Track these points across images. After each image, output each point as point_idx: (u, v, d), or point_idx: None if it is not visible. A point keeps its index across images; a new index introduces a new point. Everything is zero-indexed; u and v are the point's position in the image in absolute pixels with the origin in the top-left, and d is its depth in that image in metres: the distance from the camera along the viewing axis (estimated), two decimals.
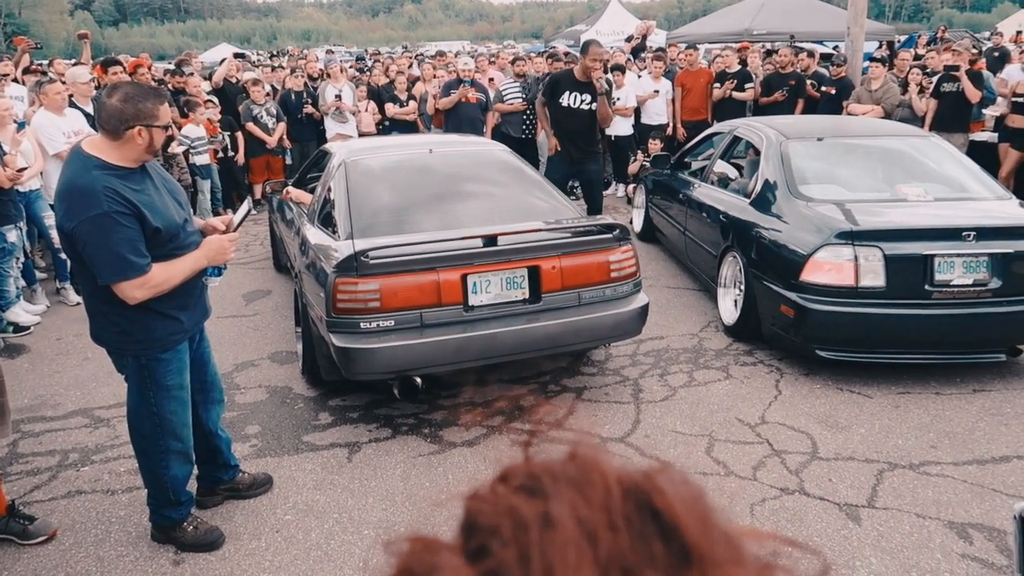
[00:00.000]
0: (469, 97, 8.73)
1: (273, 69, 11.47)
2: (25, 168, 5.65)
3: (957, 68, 8.26)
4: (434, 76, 9.90)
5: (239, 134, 9.09)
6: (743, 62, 10.37)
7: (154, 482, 3.10)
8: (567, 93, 6.49)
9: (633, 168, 9.45)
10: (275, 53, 25.31)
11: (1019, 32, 20.68)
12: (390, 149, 5.15)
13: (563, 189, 7.09)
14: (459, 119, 8.72)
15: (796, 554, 0.40)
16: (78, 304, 6.16)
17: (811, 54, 10.31)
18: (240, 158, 9.13)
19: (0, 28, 64.38)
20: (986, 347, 4.52)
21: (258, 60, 17.23)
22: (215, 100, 9.10)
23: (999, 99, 8.85)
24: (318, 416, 4.27)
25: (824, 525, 3.25)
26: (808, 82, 9.47)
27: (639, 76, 10.13)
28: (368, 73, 11.33)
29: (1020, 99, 7.89)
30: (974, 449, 3.82)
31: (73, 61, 10.12)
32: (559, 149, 6.68)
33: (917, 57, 10.71)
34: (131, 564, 3.08)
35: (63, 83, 6.63)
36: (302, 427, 4.15)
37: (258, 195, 9.08)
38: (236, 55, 11.60)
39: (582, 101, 6.49)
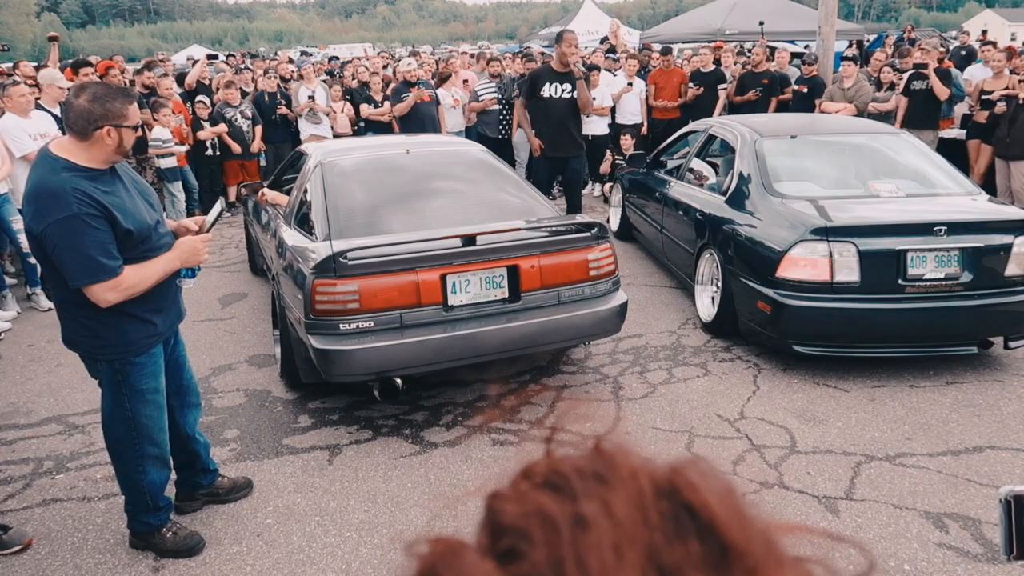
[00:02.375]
0: (423, 97, 8.74)
1: (238, 71, 11.34)
2: None
3: (926, 66, 8.40)
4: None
5: (201, 133, 8.97)
6: (716, 61, 10.45)
7: (131, 488, 3.05)
8: (547, 85, 6.61)
9: (604, 167, 9.49)
10: (246, 54, 25.07)
11: (984, 31, 21.09)
12: (367, 150, 5.12)
13: (550, 188, 7.14)
14: (420, 119, 8.71)
15: (830, 547, 0.39)
16: (49, 310, 6.06)
17: (772, 50, 10.43)
18: (207, 134, 8.97)
19: None
20: (958, 340, 4.60)
21: (231, 61, 17.05)
22: (206, 102, 8.99)
23: (967, 97, 9.02)
24: (297, 419, 4.24)
25: (803, 518, 3.28)
26: (784, 90, 9.56)
27: (614, 75, 10.17)
28: (340, 76, 11.26)
29: (987, 96, 8.04)
30: (948, 440, 3.88)
31: (38, 64, 9.94)
32: (543, 147, 6.73)
33: (886, 56, 10.84)
34: (109, 572, 3.04)
35: (30, 86, 6.51)
36: (281, 430, 4.12)
37: (233, 197, 8.98)
38: (209, 57, 11.47)
39: (563, 90, 6.59)
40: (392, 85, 9.35)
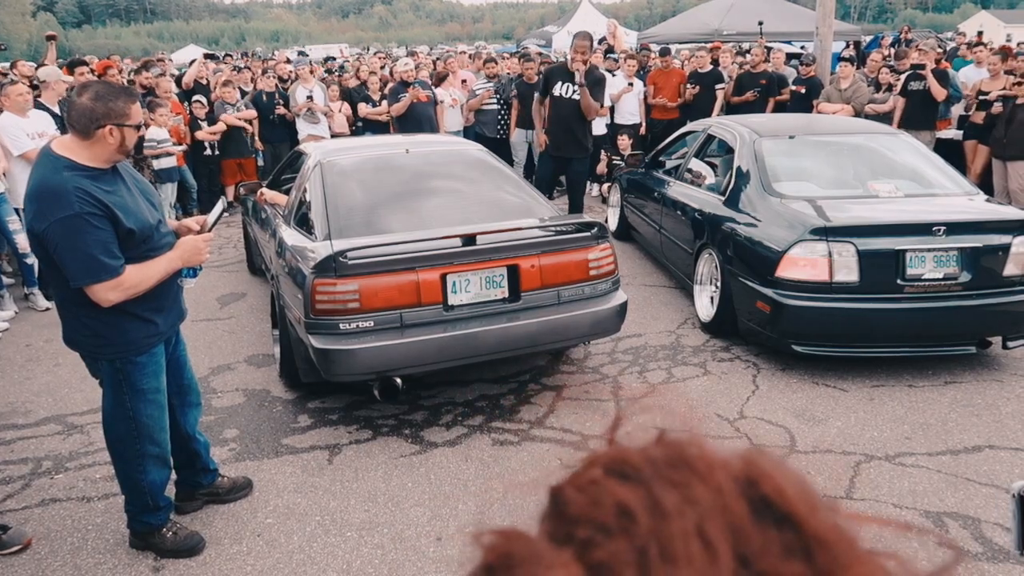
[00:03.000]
0: (420, 97, 8.74)
1: (237, 70, 11.32)
2: None
3: (924, 67, 8.42)
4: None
5: (199, 133, 8.96)
6: (715, 62, 10.47)
7: (132, 487, 3.05)
8: (559, 83, 6.67)
9: (601, 167, 9.50)
10: (246, 53, 25.02)
11: (980, 32, 21.13)
12: (366, 149, 5.12)
13: (552, 185, 7.15)
14: (417, 119, 8.71)
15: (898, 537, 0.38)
16: (47, 310, 6.05)
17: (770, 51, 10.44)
18: (204, 135, 8.98)
19: None
20: (957, 340, 4.61)
21: (228, 61, 17.01)
22: (203, 101, 8.98)
23: (964, 98, 9.04)
24: (297, 419, 4.23)
25: None
26: (782, 90, 9.58)
27: (613, 75, 10.18)
28: (339, 75, 11.25)
29: (984, 97, 8.06)
30: (947, 440, 3.89)
31: (37, 63, 9.92)
32: (548, 144, 6.78)
33: (884, 58, 10.88)
34: (109, 572, 3.03)
35: (31, 86, 6.50)
36: (281, 430, 4.11)
37: (231, 197, 8.97)
38: (207, 56, 11.46)
39: (573, 91, 6.64)
40: (389, 85, 9.35)
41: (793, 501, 0.36)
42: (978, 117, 8.13)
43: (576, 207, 7.02)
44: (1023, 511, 1.16)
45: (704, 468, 0.37)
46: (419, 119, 8.71)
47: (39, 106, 6.56)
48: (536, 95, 7.12)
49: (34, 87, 6.87)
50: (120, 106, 2.71)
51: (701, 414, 4.20)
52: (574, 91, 6.62)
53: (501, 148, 8.83)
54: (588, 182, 10.14)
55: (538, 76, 9.35)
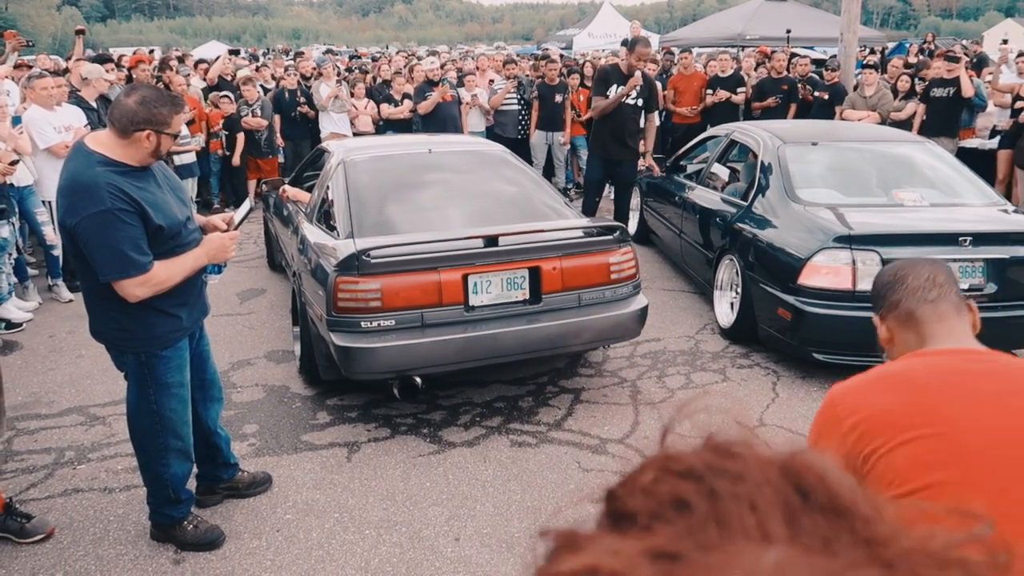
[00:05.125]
0: (447, 96, 8.75)
1: (258, 68, 11.41)
2: (17, 161, 5.59)
3: (958, 60, 8.35)
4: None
5: (239, 135, 9.01)
6: (735, 58, 10.43)
7: (154, 480, 3.08)
8: (615, 87, 6.60)
9: (640, 166, 9.47)
10: (266, 51, 25.19)
11: (1005, 40, 20.92)
12: (389, 148, 5.14)
13: (600, 188, 7.15)
14: (442, 119, 8.73)
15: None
16: (71, 301, 6.11)
17: (803, 58, 10.39)
18: (236, 159, 9.06)
19: None
20: None
21: (252, 57, 17.14)
22: (230, 96, 9.03)
23: (991, 106, 8.95)
24: (316, 415, 4.25)
25: None
26: (800, 84, 9.54)
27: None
28: (364, 73, 11.29)
29: (1022, 101, 7.91)
30: None
31: (68, 56, 10.05)
32: (597, 146, 6.79)
33: (908, 65, 10.80)
34: (131, 563, 3.06)
35: (56, 75, 6.59)
36: (300, 426, 4.13)
37: (251, 194, 9.03)
38: (231, 52, 11.54)
39: (628, 96, 6.59)
40: (414, 85, 9.39)
41: (833, 488, 0.37)
42: (1008, 124, 8.04)
43: (622, 212, 7.01)
44: None
45: (753, 462, 0.39)
46: (444, 119, 8.73)
47: (77, 100, 6.64)
48: (593, 95, 7.04)
49: (57, 75, 6.94)
50: (163, 114, 2.74)
51: (719, 421, 4.18)
52: (629, 96, 6.57)
53: (521, 149, 8.84)
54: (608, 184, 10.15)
55: (560, 77, 9.37)
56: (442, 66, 9.79)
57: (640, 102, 6.67)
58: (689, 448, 0.41)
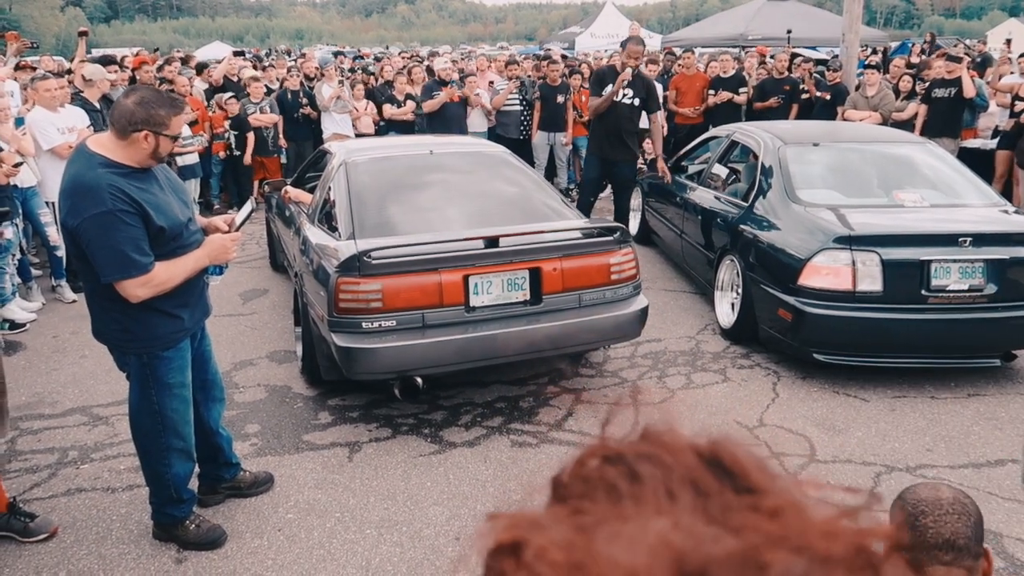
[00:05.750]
0: (454, 97, 8.76)
1: (264, 69, 11.43)
2: (21, 163, 5.62)
3: (960, 60, 8.34)
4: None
5: (249, 135, 9.04)
6: (737, 59, 10.43)
7: (156, 480, 3.10)
8: (611, 86, 6.61)
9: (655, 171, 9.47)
10: (268, 52, 25.22)
11: (1009, 40, 20.87)
12: (390, 150, 5.16)
13: (596, 188, 7.14)
14: (446, 119, 8.74)
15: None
16: (74, 302, 6.14)
17: (805, 59, 10.39)
18: (247, 158, 9.09)
19: None
20: (981, 352, 4.57)
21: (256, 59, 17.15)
22: (236, 97, 9.08)
23: (993, 106, 8.94)
24: (318, 415, 4.27)
25: None
26: (803, 84, 9.54)
27: None
28: (368, 74, 11.31)
29: (1021, 101, 7.90)
30: (969, 453, 3.86)
31: (71, 57, 10.09)
32: (595, 146, 6.78)
33: (910, 65, 10.80)
34: (133, 562, 3.08)
35: (59, 76, 6.62)
36: (302, 426, 4.15)
37: (254, 194, 9.06)
38: (235, 53, 11.58)
39: (624, 95, 6.60)
40: (417, 84, 9.41)
41: (749, 470, 0.41)
42: (1009, 124, 8.03)
43: (622, 212, 7.00)
44: None
45: (675, 446, 0.43)
46: (449, 119, 8.75)
47: (81, 102, 6.67)
48: (590, 97, 7.04)
49: (60, 76, 6.97)
50: (161, 115, 2.76)
51: (720, 420, 4.19)
52: (625, 95, 6.59)
53: (523, 150, 8.85)
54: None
55: (563, 79, 9.38)
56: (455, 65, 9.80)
57: (637, 102, 6.66)
58: (623, 438, 0.45)
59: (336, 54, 20.42)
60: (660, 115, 7.09)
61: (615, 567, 0.35)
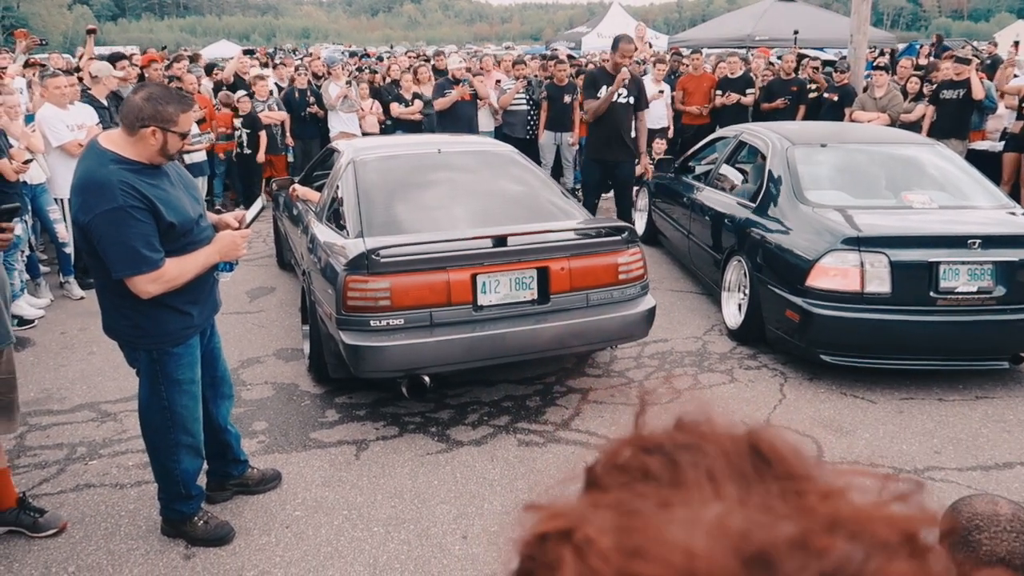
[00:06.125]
0: (466, 95, 8.77)
1: (275, 67, 11.47)
2: (31, 160, 5.65)
3: (969, 61, 8.31)
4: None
5: (261, 133, 9.06)
6: (744, 59, 10.42)
7: (165, 476, 3.11)
8: (605, 87, 6.61)
9: (639, 170, 9.47)
10: (274, 50, 25.24)
11: (1017, 42, 20.80)
12: (398, 148, 5.16)
13: (599, 191, 7.14)
14: (456, 118, 8.74)
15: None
16: (82, 298, 6.16)
17: (812, 59, 10.37)
18: (261, 156, 9.10)
19: None
20: (989, 354, 4.55)
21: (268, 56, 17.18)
22: (249, 95, 9.09)
23: (1001, 108, 8.91)
24: (325, 413, 4.28)
25: None
26: (810, 83, 9.53)
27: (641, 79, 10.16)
28: (373, 73, 11.32)
29: None
30: (978, 455, 3.85)
31: (79, 55, 10.12)
32: (592, 149, 6.77)
33: (918, 67, 10.77)
34: (142, 557, 3.09)
35: (74, 75, 6.64)
36: (309, 424, 4.16)
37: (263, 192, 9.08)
38: (245, 51, 11.60)
39: (619, 95, 6.61)
40: (423, 83, 9.42)
41: (788, 457, 0.41)
42: (1017, 127, 8.01)
43: (625, 211, 7.00)
44: None
45: (713, 435, 0.43)
46: (460, 118, 8.75)
47: (88, 99, 6.69)
48: (584, 100, 7.03)
49: (69, 74, 7.00)
50: (169, 111, 2.76)
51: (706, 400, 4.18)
52: (620, 95, 6.58)
53: (529, 149, 8.84)
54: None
55: (570, 79, 9.38)
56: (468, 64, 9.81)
57: (631, 100, 6.68)
58: (659, 429, 0.45)
59: (351, 55, 20.39)
60: (645, 113, 7.13)
61: (674, 549, 0.35)
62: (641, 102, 6.84)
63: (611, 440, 0.46)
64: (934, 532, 0.39)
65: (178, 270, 2.84)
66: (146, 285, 2.78)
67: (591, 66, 9.01)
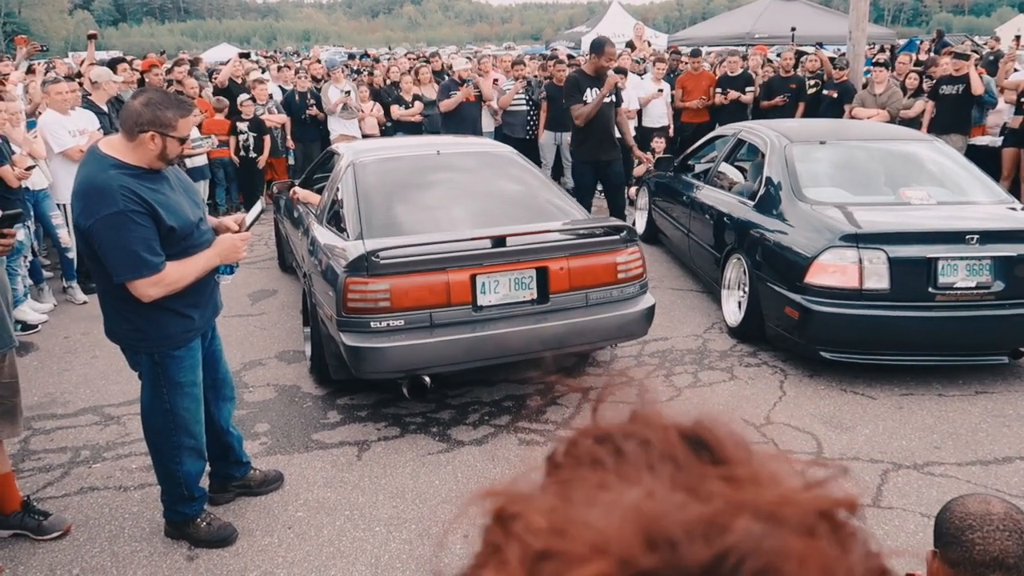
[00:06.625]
0: (470, 96, 8.79)
1: (280, 69, 11.49)
2: (33, 167, 5.68)
3: (968, 57, 8.32)
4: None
5: (267, 137, 9.08)
6: (743, 57, 10.42)
7: (167, 478, 3.13)
8: (589, 90, 6.65)
9: (639, 170, 9.49)
10: (274, 53, 25.27)
11: (1018, 37, 20.76)
12: (398, 150, 5.18)
13: (592, 193, 7.17)
14: (461, 119, 8.76)
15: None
16: (85, 303, 6.20)
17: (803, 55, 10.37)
18: (263, 160, 9.13)
19: (0, 27, 64.30)
20: (988, 350, 4.56)
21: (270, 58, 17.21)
22: (253, 99, 9.13)
23: (1001, 103, 8.91)
24: (327, 415, 4.30)
25: None
26: (810, 80, 9.53)
27: (641, 77, 10.18)
28: (370, 75, 11.34)
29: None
30: (977, 450, 3.86)
31: (80, 60, 10.15)
32: (583, 151, 6.84)
33: (918, 63, 10.77)
34: (146, 559, 3.11)
35: (69, 79, 6.67)
36: (311, 425, 4.19)
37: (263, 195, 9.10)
38: (241, 55, 11.62)
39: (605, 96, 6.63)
40: (423, 84, 9.44)
41: (726, 444, 0.44)
42: (1016, 122, 8.01)
43: (618, 211, 7.01)
44: None
45: (658, 424, 0.45)
46: (465, 119, 8.77)
47: (88, 104, 6.72)
48: (568, 106, 7.03)
49: (70, 79, 7.03)
50: (167, 116, 2.78)
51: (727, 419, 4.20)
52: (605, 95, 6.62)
53: (529, 149, 8.86)
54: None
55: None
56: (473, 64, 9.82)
57: (613, 98, 6.76)
58: (613, 420, 0.48)
59: (351, 56, 20.41)
60: (624, 107, 7.35)
61: (588, 529, 0.37)
62: (618, 98, 7.00)
63: (570, 430, 0.48)
64: (854, 516, 0.41)
65: (179, 273, 2.87)
66: (147, 289, 2.80)
67: (569, 71, 9.02)
